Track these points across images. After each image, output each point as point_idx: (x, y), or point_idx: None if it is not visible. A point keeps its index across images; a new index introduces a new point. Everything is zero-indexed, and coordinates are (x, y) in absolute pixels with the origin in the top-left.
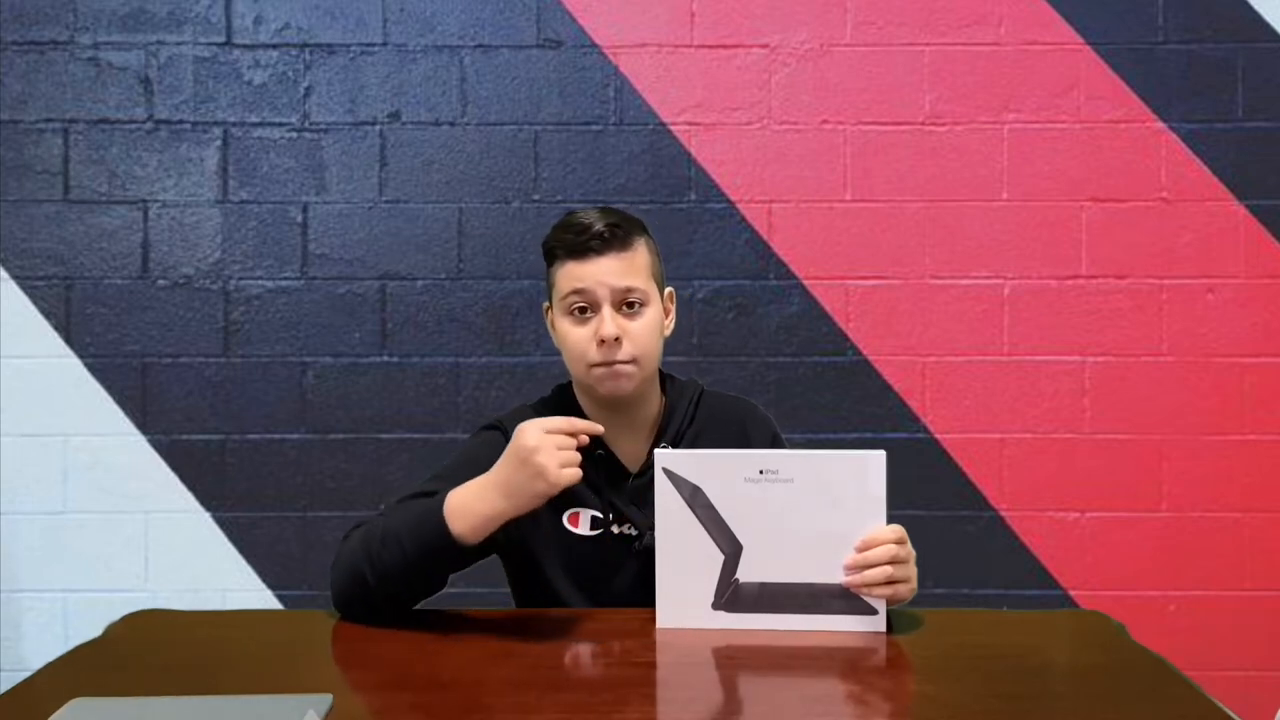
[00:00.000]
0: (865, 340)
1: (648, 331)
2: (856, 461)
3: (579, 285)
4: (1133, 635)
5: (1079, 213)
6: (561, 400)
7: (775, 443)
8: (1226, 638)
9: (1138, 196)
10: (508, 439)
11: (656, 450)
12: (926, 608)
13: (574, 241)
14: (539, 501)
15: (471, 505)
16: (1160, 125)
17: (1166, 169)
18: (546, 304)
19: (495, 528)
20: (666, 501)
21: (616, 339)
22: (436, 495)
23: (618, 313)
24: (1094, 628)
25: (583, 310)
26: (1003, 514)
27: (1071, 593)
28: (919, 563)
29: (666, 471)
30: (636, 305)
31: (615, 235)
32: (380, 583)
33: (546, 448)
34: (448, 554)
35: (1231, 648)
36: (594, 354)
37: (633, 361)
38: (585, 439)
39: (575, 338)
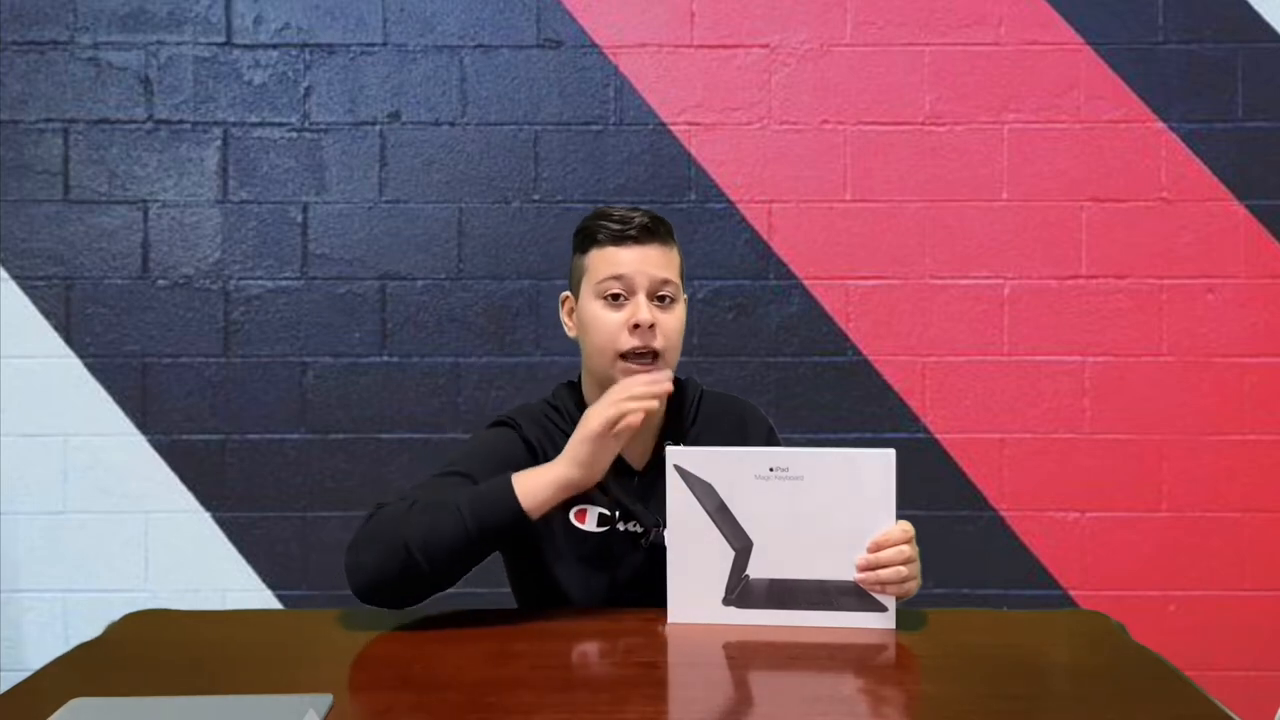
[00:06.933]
0: (865, 340)
1: (677, 327)
2: (867, 460)
3: (619, 270)
4: (1133, 635)
5: (1079, 213)
6: (569, 399)
7: (770, 441)
8: (1226, 638)
9: (1138, 196)
10: (521, 434)
11: (668, 447)
12: (927, 607)
13: (617, 228)
14: (592, 455)
15: (538, 478)
16: (1160, 125)
17: (1166, 169)
18: (565, 294)
19: (562, 499)
20: (677, 498)
21: (651, 326)
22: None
23: (651, 303)
24: (1094, 628)
25: (616, 297)
26: (1003, 514)
27: (1071, 593)
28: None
29: (678, 468)
30: (668, 300)
31: (658, 229)
32: (428, 555)
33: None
34: (509, 526)
35: (1231, 648)
36: (625, 341)
37: (661, 353)
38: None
39: (608, 322)
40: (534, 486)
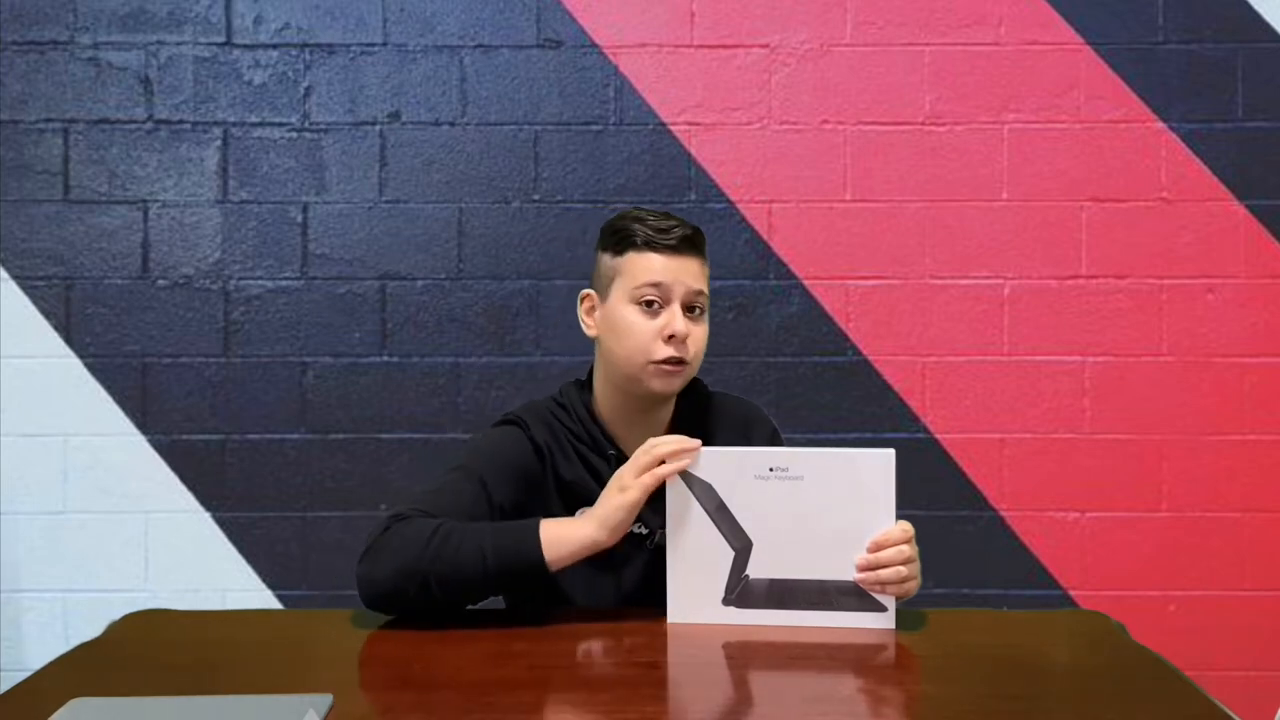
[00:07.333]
0: (865, 340)
1: (704, 338)
2: (866, 459)
3: (658, 279)
4: (1133, 635)
5: (1079, 213)
6: (578, 398)
7: (774, 441)
8: (1226, 638)
9: (1138, 196)
10: (529, 435)
11: None
12: (927, 607)
13: (658, 236)
14: (626, 522)
15: (566, 533)
16: (1160, 125)
17: (1166, 169)
18: (587, 291)
19: (584, 557)
20: (677, 498)
21: (685, 338)
22: (530, 519)
23: (684, 314)
24: (1094, 628)
25: (651, 304)
26: (1003, 514)
27: (1071, 593)
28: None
29: None
30: (698, 311)
31: (697, 241)
32: (444, 587)
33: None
34: (529, 577)
35: (1231, 648)
36: (659, 350)
37: (689, 364)
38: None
39: (643, 329)
40: (560, 541)
